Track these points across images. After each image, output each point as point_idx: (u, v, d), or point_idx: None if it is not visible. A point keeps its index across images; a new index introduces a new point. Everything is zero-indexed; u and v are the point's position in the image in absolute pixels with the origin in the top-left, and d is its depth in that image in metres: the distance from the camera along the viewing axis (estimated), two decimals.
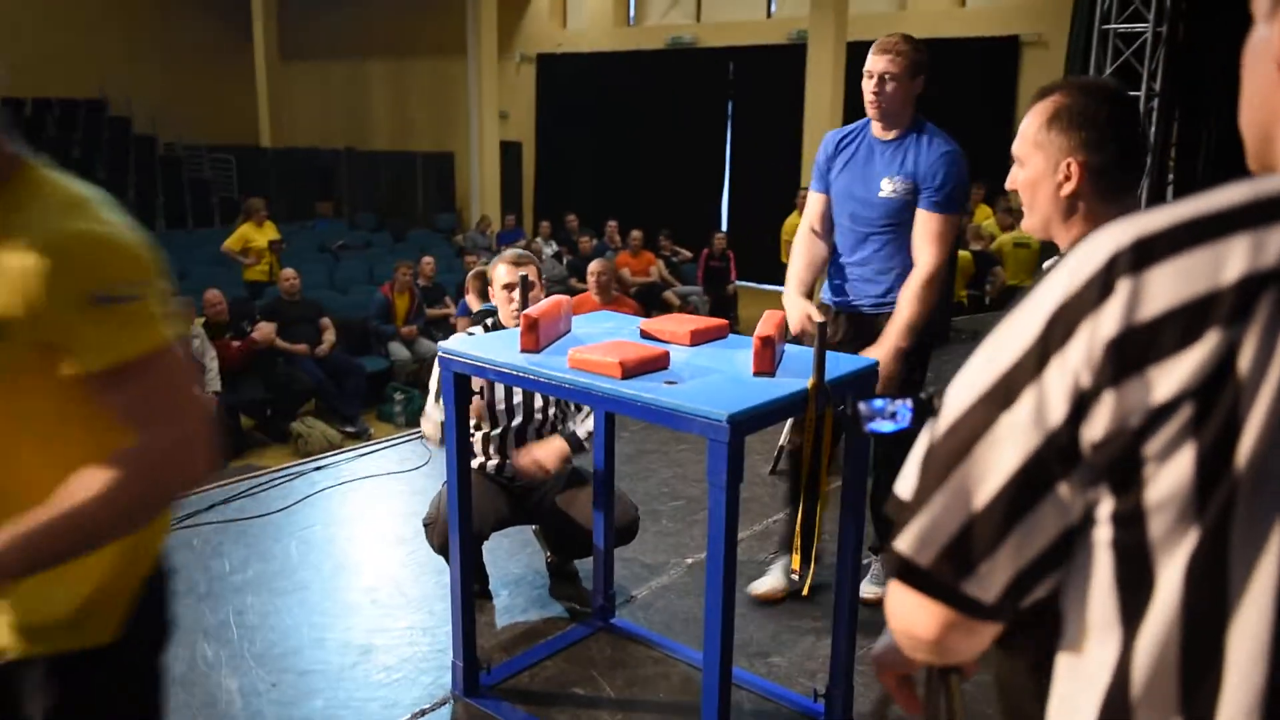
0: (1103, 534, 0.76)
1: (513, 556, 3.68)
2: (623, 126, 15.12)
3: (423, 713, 2.78)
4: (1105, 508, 0.75)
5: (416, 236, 13.85)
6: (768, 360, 2.34)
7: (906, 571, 0.84)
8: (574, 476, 3.37)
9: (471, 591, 2.84)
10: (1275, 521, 0.69)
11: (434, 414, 3.14)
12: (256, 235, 9.94)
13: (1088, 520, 0.77)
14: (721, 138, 14.35)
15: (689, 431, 2.18)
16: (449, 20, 15.36)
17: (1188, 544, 0.71)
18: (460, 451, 2.70)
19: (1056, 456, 0.75)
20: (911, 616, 0.87)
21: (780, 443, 4.26)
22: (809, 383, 2.27)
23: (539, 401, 3.31)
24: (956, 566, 0.81)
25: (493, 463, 3.31)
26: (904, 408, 1.19)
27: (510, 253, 3.41)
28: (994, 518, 0.78)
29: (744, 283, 12.02)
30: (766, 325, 2.39)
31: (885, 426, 1.20)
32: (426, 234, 14.24)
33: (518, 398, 3.30)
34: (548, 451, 3.17)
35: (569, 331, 2.70)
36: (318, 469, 4.60)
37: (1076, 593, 0.80)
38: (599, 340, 2.50)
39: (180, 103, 17.72)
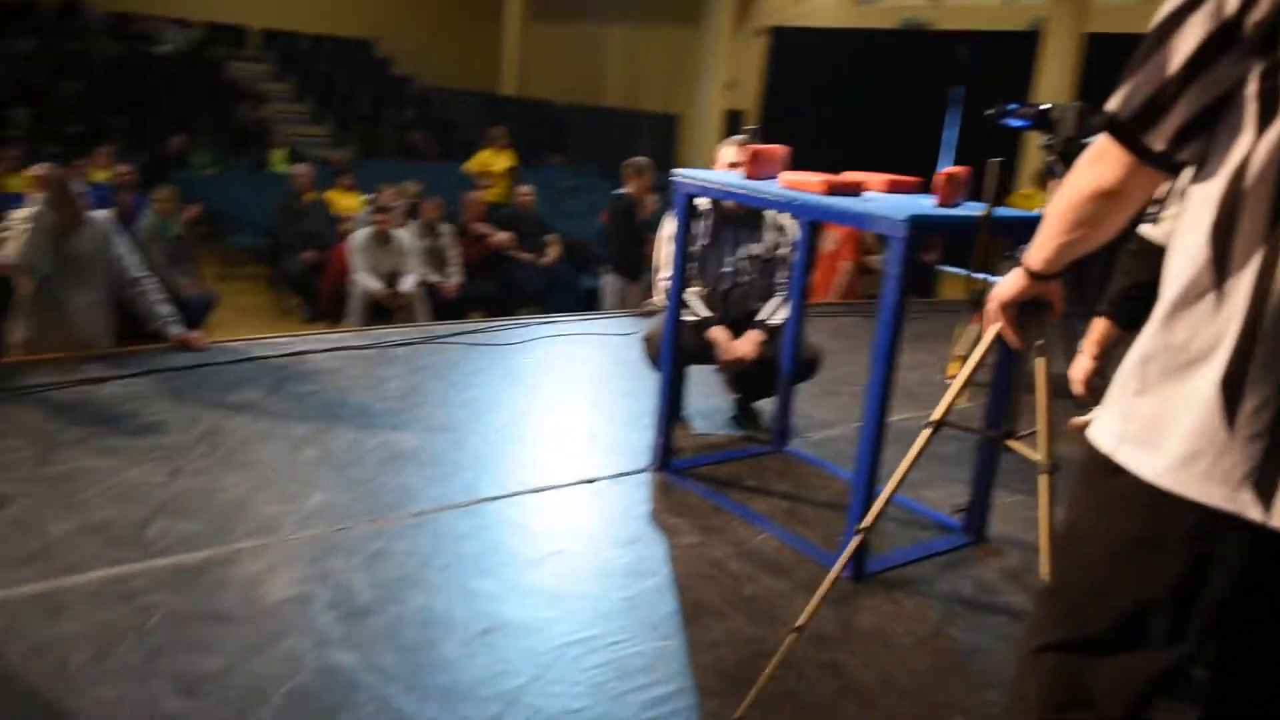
0: (1250, 89, 1.17)
1: (705, 397, 4.24)
2: (847, 103, 15.35)
3: (623, 474, 3.39)
4: (1255, 70, 1.16)
5: None
6: (950, 193, 2.79)
7: (1110, 125, 1.28)
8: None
9: (676, 388, 3.43)
10: None
11: (660, 280, 3.74)
12: (495, 160, 10.92)
13: (1239, 88, 1.17)
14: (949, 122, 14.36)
15: (876, 230, 2.67)
16: None
17: None
18: (681, 264, 3.27)
19: (1225, 36, 1.16)
20: (1099, 169, 1.30)
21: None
22: (981, 212, 2.71)
23: (744, 264, 3.83)
24: (1144, 120, 1.24)
25: (704, 315, 3.83)
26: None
27: (734, 138, 3.96)
28: (1177, 79, 1.20)
29: (948, 268, 12.11)
30: (952, 170, 2.84)
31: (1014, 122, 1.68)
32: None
33: (727, 265, 3.84)
34: (746, 343, 3.71)
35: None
36: (546, 324, 5.35)
37: (1220, 137, 1.20)
38: None
39: (437, 49, 19.28)
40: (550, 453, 3.61)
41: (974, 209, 2.78)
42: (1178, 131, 1.23)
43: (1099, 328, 2.29)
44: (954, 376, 3.31)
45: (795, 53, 16.18)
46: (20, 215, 3.97)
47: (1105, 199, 1.33)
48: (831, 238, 6.70)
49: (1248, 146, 1.18)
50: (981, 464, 3.08)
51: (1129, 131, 1.27)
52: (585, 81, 19.30)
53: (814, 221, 3.56)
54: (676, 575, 2.74)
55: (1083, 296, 3.99)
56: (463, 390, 4.16)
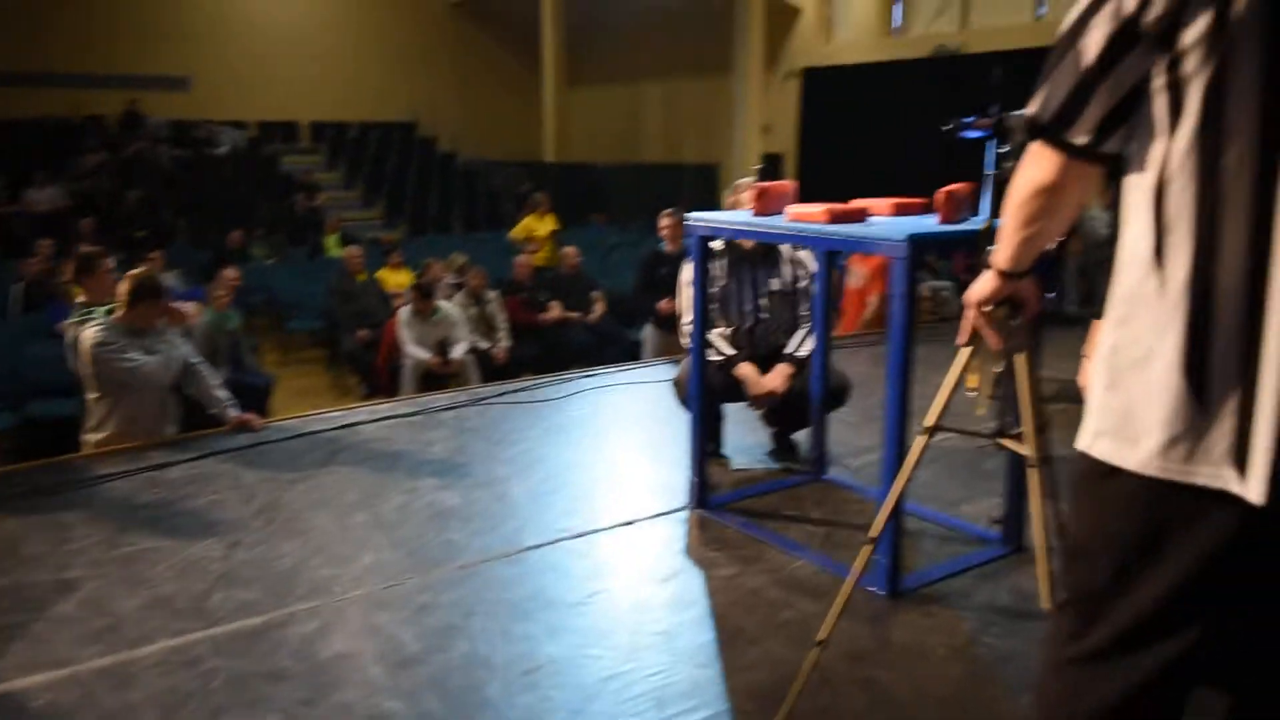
0: (1158, 82, 1.24)
1: (744, 434, 4.30)
2: (883, 134, 15.42)
3: (662, 514, 3.47)
4: (1160, 64, 1.23)
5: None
6: (952, 209, 2.85)
7: (1033, 128, 1.36)
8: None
9: (707, 426, 3.51)
10: (1257, 63, 1.16)
11: (684, 325, 3.83)
12: (538, 225, 11.18)
13: (1148, 82, 1.25)
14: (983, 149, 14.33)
15: (878, 253, 2.74)
16: (718, 41, 16.34)
17: (1205, 75, 1.19)
18: (702, 305, 3.37)
19: (1128, 34, 1.23)
20: (1037, 167, 1.38)
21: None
22: (983, 225, 2.76)
23: (764, 302, 3.91)
24: (1064, 119, 1.31)
25: (728, 354, 3.91)
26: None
27: (742, 180, 4.06)
28: (1089, 77, 1.28)
29: None
30: (953, 187, 2.90)
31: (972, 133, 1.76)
32: None
33: (749, 303, 3.93)
34: (775, 378, 3.79)
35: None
36: (589, 377, 5.47)
37: (1141, 130, 1.27)
38: None
39: (477, 124, 19.91)
40: (591, 499, 3.70)
41: (977, 223, 2.83)
42: (1097, 126, 1.30)
43: (1097, 329, 2.32)
44: (975, 388, 3.34)
45: (828, 91, 16.32)
46: (103, 328, 4.16)
47: (1047, 194, 1.40)
48: (858, 274, 6.73)
49: (1166, 138, 1.24)
50: (1016, 473, 3.10)
51: (1051, 131, 1.34)
52: (624, 140, 19.68)
53: (829, 251, 3.63)
54: (713, 606, 2.79)
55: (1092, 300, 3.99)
56: (507, 447, 4.28)
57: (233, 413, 4.48)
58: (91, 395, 4.24)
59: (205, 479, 3.91)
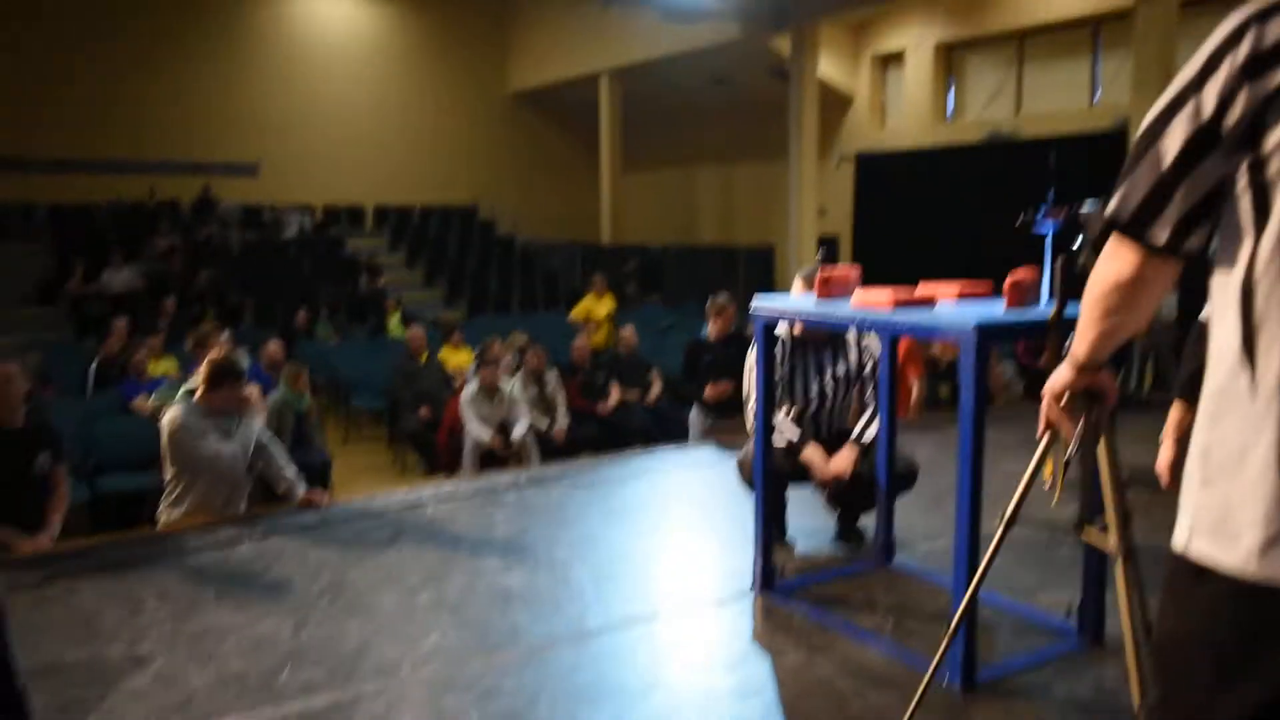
0: (1241, 183, 1.26)
1: (809, 518, 4.26)
2: (939, 218, 15.45)
3: (726, 599, 3.43)
4: (1243, 165, 1.25)
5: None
6: (1016, 298, 2.86)
7: (1112, 226, 1.38)
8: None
9: (771, 508, 3.49)
10: None
11: (748, 414, 3.85)
12: (596, 306, 11.33)
13: (1232, 184, 1.27)
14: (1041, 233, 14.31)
15: (946, 339, 2.75)
16: (773, 127, 16.60)
17: None
18: (767, 387, 3.38)
19: (1208, 136, 1.26)
20: (1115, 264, 1.40)
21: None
22: (1050, 313, 2.75)
23: (830, 385, 3.92)
24: (1143, 218, 1.33)
25: (795, 436, 3.91)
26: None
27: (806, 268, 4.10)
28: (1168, 178, 1.30)
29: None
30: (1020, 274, 2.90)
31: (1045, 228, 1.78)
32: (745, 319, 15.22)
33: (814, 389, 3.94)
34: (842, 461, 3.78)
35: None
36: (647, 458, 5.47)
37: (1227, 229, 1.29)
38: None
39: (536, 208, 20.36)
40: (654, 582, 3.68)
41: (1046, 309, 2.83)
42: (1177, 225, 1.31)
43: (1175, 413, 2.30)
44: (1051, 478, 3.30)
45: (882, 175, 16.44)
46: (185, 410, 4.28)
47: (1125, 289, 1.41)
48: None
49: (1252, 238, 1.25)
50: (1092, 564, 3.03)
51: (1130, 229, 1.35)
52: (679, 221, 19.95)
53: (895, 337, 3.64)
54: (782, 695, 2.75)
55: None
56: (569, 529, 4.28)
57: (300, 490, 4.55)
58: (169, 473, 4.34)
59: (273, 556, 3.96)
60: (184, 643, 3.15)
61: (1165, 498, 2.33)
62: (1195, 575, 1.28)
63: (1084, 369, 1.68)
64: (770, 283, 17.77)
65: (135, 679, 2.90)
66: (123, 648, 3.12)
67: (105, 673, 2.94)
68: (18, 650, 2.57)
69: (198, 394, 4.32)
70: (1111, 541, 1.84)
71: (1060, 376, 1.74)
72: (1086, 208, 2.50)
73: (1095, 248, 1.48)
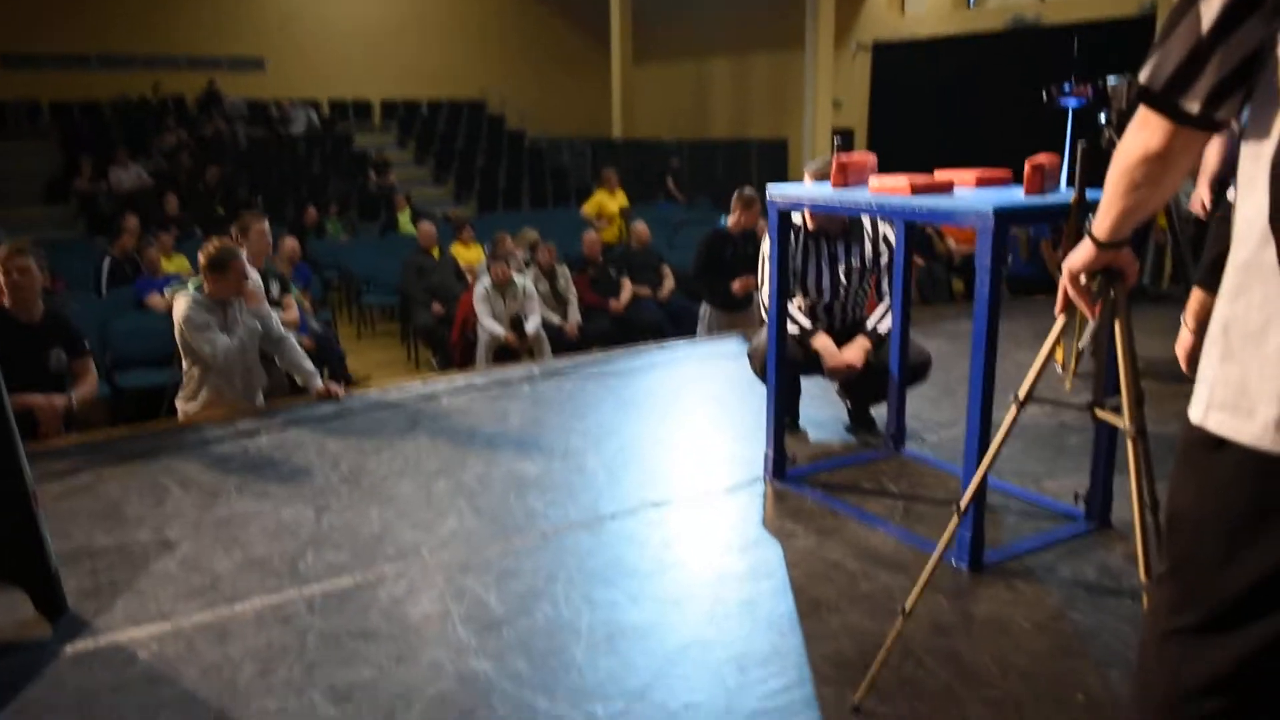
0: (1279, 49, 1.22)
1: (820, 407, 4.29)
2: (956, 109, 15.13)
3: (738, 485, 3.49)
4: None
5: None
6: (1036, 183, 2.81)
7: (1143, 95, 1.35)
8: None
9: (783, 398, 3.51)
10: None
11: (761, 297, 3.84)
12: (609, 201, 11.22)
13: (1267, 49, 1.22)
14: (1063, 120, 14.01)
15: (964, 225, 2.72)
16: (788, 15, 16.16)
17: None
18: (781, 277, 3.37)
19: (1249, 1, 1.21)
20: (1144, 135, 1.36)
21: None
22: (1072, 198, 2.71)
23: (844, 277, 3.89)
24: (1176, 85, 1.30)
25: (805, 326, 3.90)
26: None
27: (819, 158, 4.04)
28: (1205, 42, 1.26)
29: None
30: (1039, 158, 2.85)
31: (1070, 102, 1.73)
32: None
33: (827, 278, 3.91)
34: (854, 351, 3.77)
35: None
36: (660, 351, 5.49)
37: (1260, 98, 1.25)
38: None
39: (545, 102, 20.01)
40: (666, 471, 3.73)
41: (1066, 195, 2.78)
42: (1210, 93, 1.27)
43: (1195, 298, 2.28)
44: (1064, 361, 3.30)
45: (900, 65, 16.05)
46: (192, 302, 4.29)
47: (1153, 162, 1.38)
48: None
49: None
50: (1101, 449, 3.05)
51: (1162, 99, 1.32)
52: (691, 115, 19.58)
53: (909, 224, 3.60)
54: (793, 576, 2.81)
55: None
56: (581, 419, 4.33)
57: (317, 383, 4.60)
58: (186, 363, 4.38)
59: (292, 445, 4.03)
60: (209, 529, 3.23)
61: (1177, 387, 2.33)
62: (1212, 447, 1.28)
63: (1105, 246, 1.66)
64: (784, 178, 17.52)
65: (164, 562, 2.98)
66: (150, 534, 3.20)
67: (134, 557, 3.03)
68: (49, 535, 2.65)
69: (205, 286, 4.33)
70: (1125, 420, 1.84)
71: (1080, 254, 1.72)
72: (1112, 81, 2.44)
73: (1121, 122, 1.45)
